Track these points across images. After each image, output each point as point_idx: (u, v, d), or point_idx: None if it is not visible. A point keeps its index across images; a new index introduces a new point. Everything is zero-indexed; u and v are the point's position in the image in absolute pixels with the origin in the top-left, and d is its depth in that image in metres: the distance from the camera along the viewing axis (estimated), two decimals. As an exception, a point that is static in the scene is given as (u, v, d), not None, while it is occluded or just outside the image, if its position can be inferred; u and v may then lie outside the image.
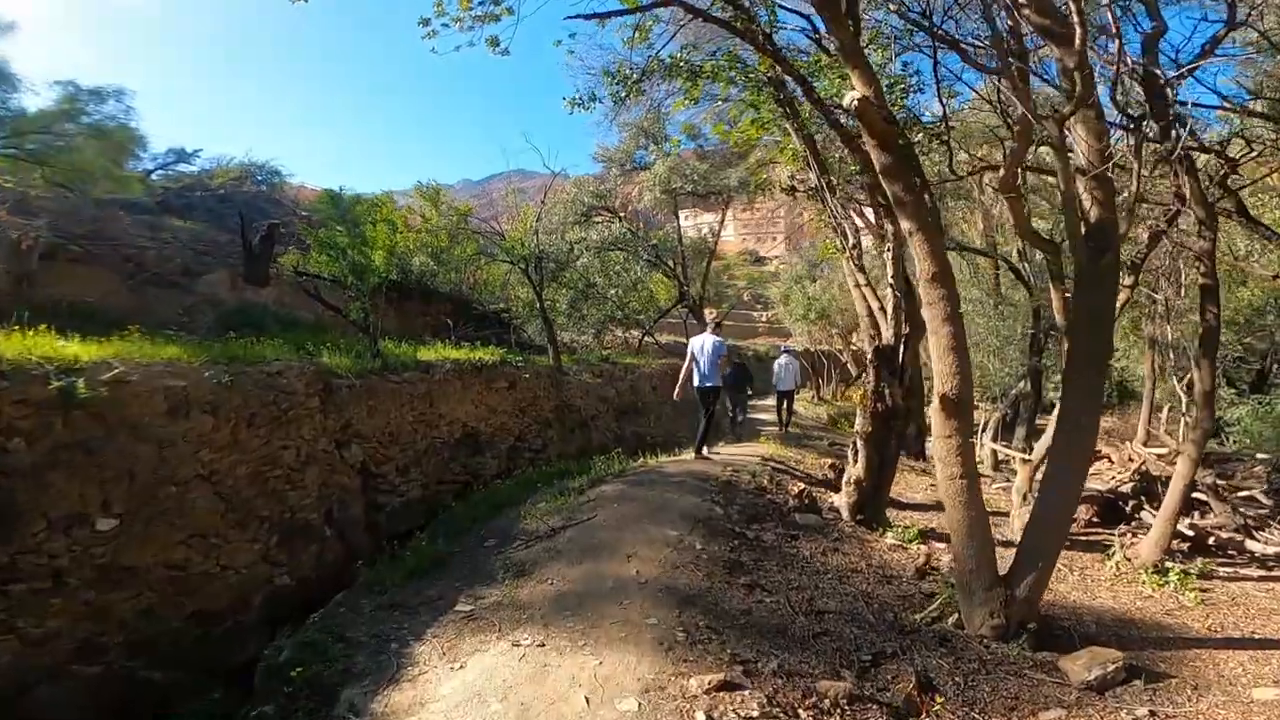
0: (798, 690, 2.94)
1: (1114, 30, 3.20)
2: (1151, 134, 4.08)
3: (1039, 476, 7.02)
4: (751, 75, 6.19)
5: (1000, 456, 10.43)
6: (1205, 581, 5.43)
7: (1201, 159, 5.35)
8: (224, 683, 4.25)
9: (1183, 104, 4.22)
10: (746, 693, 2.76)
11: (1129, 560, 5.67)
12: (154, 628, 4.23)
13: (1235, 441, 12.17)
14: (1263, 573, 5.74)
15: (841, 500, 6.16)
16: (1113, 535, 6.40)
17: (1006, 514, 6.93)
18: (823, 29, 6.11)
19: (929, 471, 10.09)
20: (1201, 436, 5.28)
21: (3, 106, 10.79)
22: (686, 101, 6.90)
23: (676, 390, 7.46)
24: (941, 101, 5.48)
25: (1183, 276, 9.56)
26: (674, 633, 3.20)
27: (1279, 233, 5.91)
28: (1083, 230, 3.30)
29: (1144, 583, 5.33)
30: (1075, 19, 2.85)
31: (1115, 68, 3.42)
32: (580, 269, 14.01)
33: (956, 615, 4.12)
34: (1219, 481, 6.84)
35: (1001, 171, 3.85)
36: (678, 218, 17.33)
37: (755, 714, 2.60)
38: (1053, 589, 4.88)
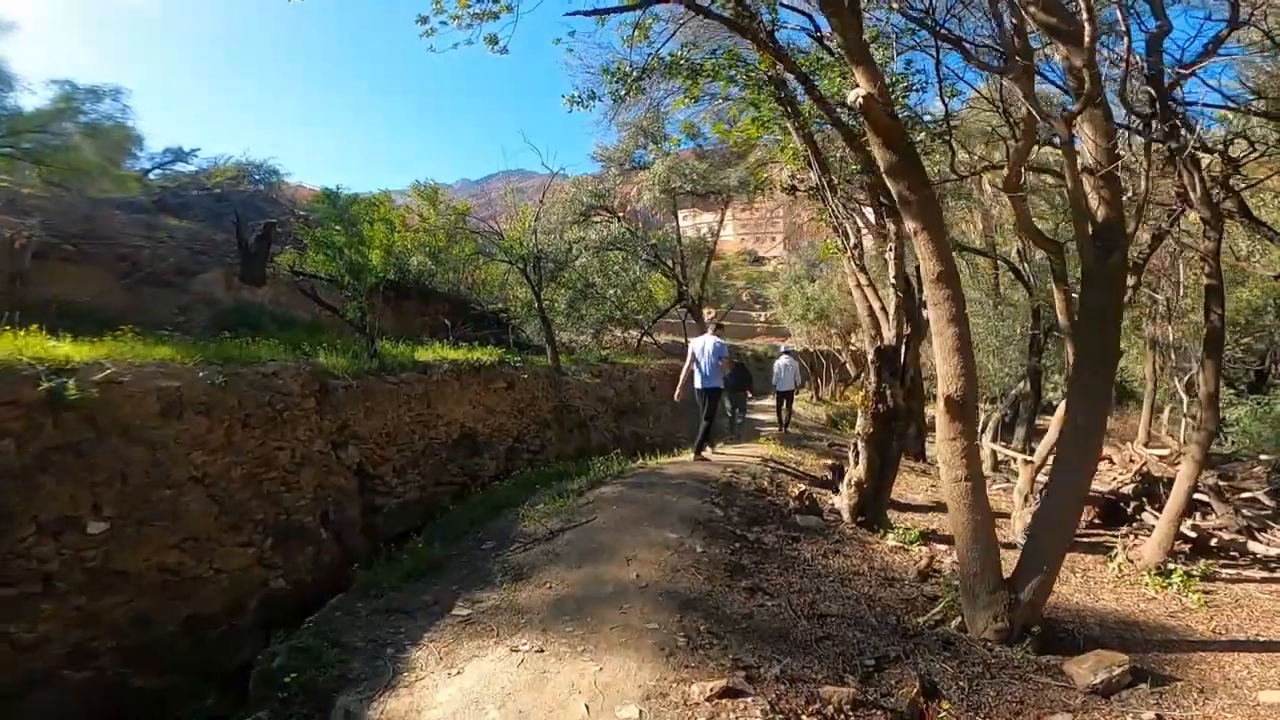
0: (801, 696, 2.89)
1: (1123, 28, 3.15)
2: (1159, 133, 4.03)
3: (1041, 478, 7.00)
4: (752, 74, 6.14)
5: (1000, 457, 10.40)
6: (1208, 583, 5.41)
7: (1204, 159, 5.31)
8: (219, 687, 4.20)
9: (1193, 104, 4.20)
10: (749, 699, 2.71)
11: (1131, 562, 5.64)
12: (147, 632, 4.17)
13: (1234, 442, 12.15)
14: (1265, 574, 5.71)
15: (842, 502, 6.11)
16: (1114, 537, 6.37)
17: (1007, 515, 6.89)
18: (824, 27, 6.09)
19: (929, 472, 10.06)
20: (1206, 438, 5.25)
21: (-1, 105, 10.71)
22: (686, 100, 6.85)
23: (677, 392, 7.46)
24: (943, 100, 5.44)
25: (1183, 276, 9.53)
26: (675, 638, 3.16)
27: (1281, 233, 5.88)
28: (1089, 230, 3.25)
29: (1147, 584, 5.29)
30: (1085, 16, 2.81)
31: (1124, 66, 3.37)
32: (579, 269, 13.96)
33: (960, 618, 4.08)
34: (1221, 483, 6.81)
35: (1006, 171, 3.80)
36: (676, 217, 17.28)
37: (758, 721, 2.56)
38: (1055, 591, 4.83)
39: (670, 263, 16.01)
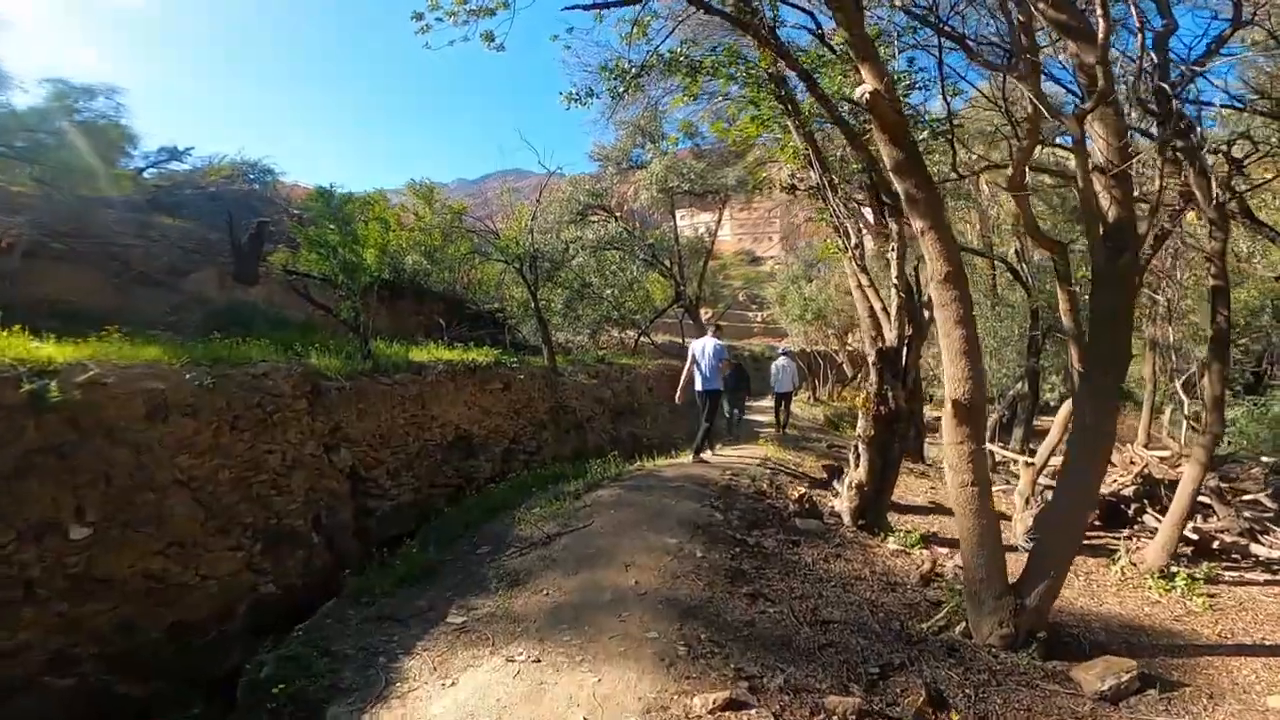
0: (805, 707, 2.81)
1: (1137, 25, 3.09)
2: (1171, 133, 3.97)
3: (1042, 480, 6.95)
4: (752, 71, 6.06)
5: (999, 458, 10.35)
6: (1211, 586, 5.37)
7: (1208, 159, 5.26)
8: (206, 694, 4.11)
9: (1207, 104, 4.14)
10: (753, 711, 2.63)
11: (1134, 565, 5.59)
12: (131, 639, 4.07)
13: (1231, 444, 12.15)
14: (1268, 577, 5.68)
15: (843, 504, 6.04)
16: (1116, 539, 6.33)
17: (1008, 518, 6.84)
18: (825, 25, 6.02)
19: (928, 474, 10.01)
20: (1211, 441, 5.20)
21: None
22: (685, 98, 6.78)
23: (678, 394, 7.46)
24: (945, 99, 5.38)
25: (1182, 277, 9.51)
26: (675, 647, 3.07)
27: (1283, 233, 5.85)
28: (1100, 230, 3.19)
29: (1150, 588, 5.25)
30: (1100, 13, 2.74)
31: (1138, 64, 3.31)
32: (576, 268, 13.86)
33: (964, 624, 4.02)
34: (1222, 485, 6.77)
35: (1010, 170, 3.73)
36: (674, 217, 17.20)
37: (763, 735, 2.47)
38: (1059, 595, 4.79)
39: (668, 262, 15.93)
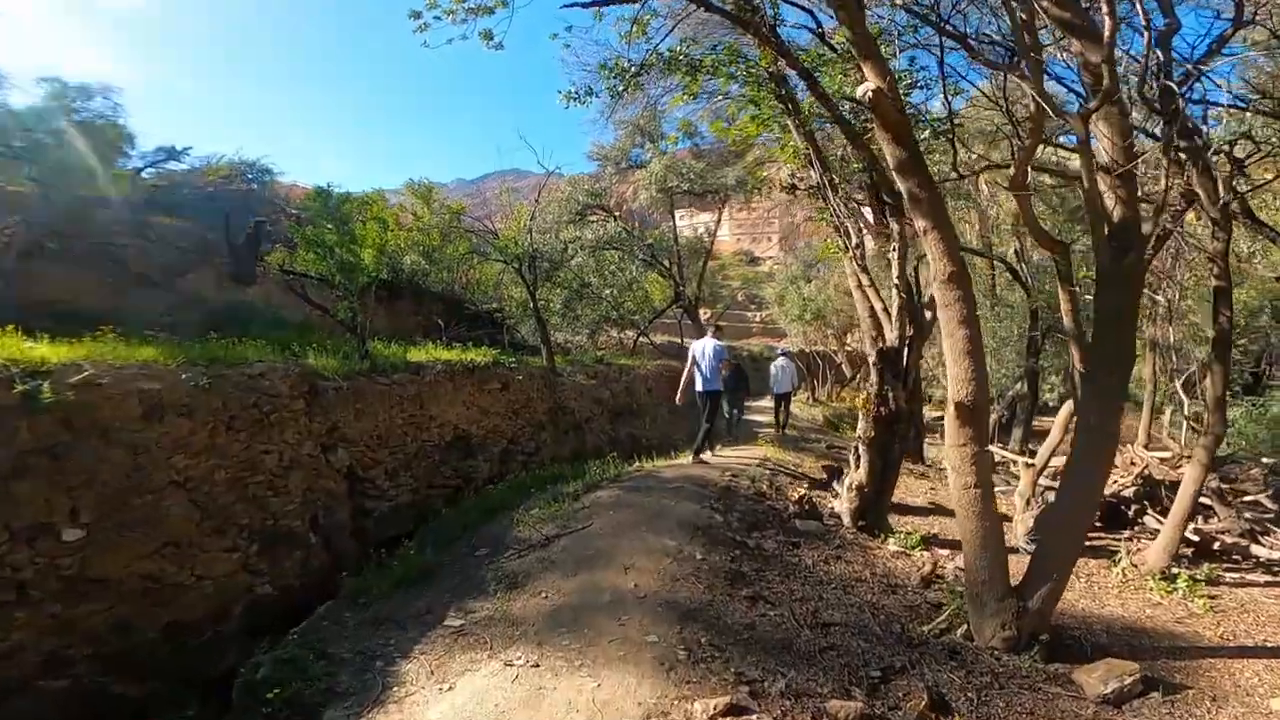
0: (807, 712, 2.78)
1: (1143, 24, 3.06)
2: (1179, 132, 3.95)
3: (1042, 481, 6.93)
4: (753, 70, 6.03)
5: (998, 459, 10.33)
6: (1213, 588, 5.34)
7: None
8: (202, 695, 4.09)
9: (1215, 104, 4.11)
10: (754, 717, 2.60)
11: (1135, 566, 5.56)
12: (126, 640, 4.04)
13: (1230, 444, 12.14)
14: (1269, 578, 5.66)
15: (843, 506, 6.01)
16: (1117, 540, 6.30)
17: (1008, 519, 6.82)
18: (825, 24, 6.00)
19: (927, 475, 9.99)
20: (1213, 442, 5.17)
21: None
22: (685, 97, 6.74)
23: (679, 395, 7.47)
24: (947, 98, 5.36)
25: (1182, 278, 9.50)
26: (675, 651, 3.04)
27: (1284, 234, 5.83)
28: (1105, 230, 3.16)
29: (1152, 589, 5.22)
30: (1106, 11, 2.72)
31: (1143, 63, 3.29)
32: (575, 268, 13.81)
33: (965, 626, 3.99)
34: (1222, 486, 6.75)
35: (1012, 170, 3.71)
36: (673, 217, 17.16)
37: (764, 741, 2.45)
38: (1061, 597, 4.76)
39: (667, 263, 15.89)
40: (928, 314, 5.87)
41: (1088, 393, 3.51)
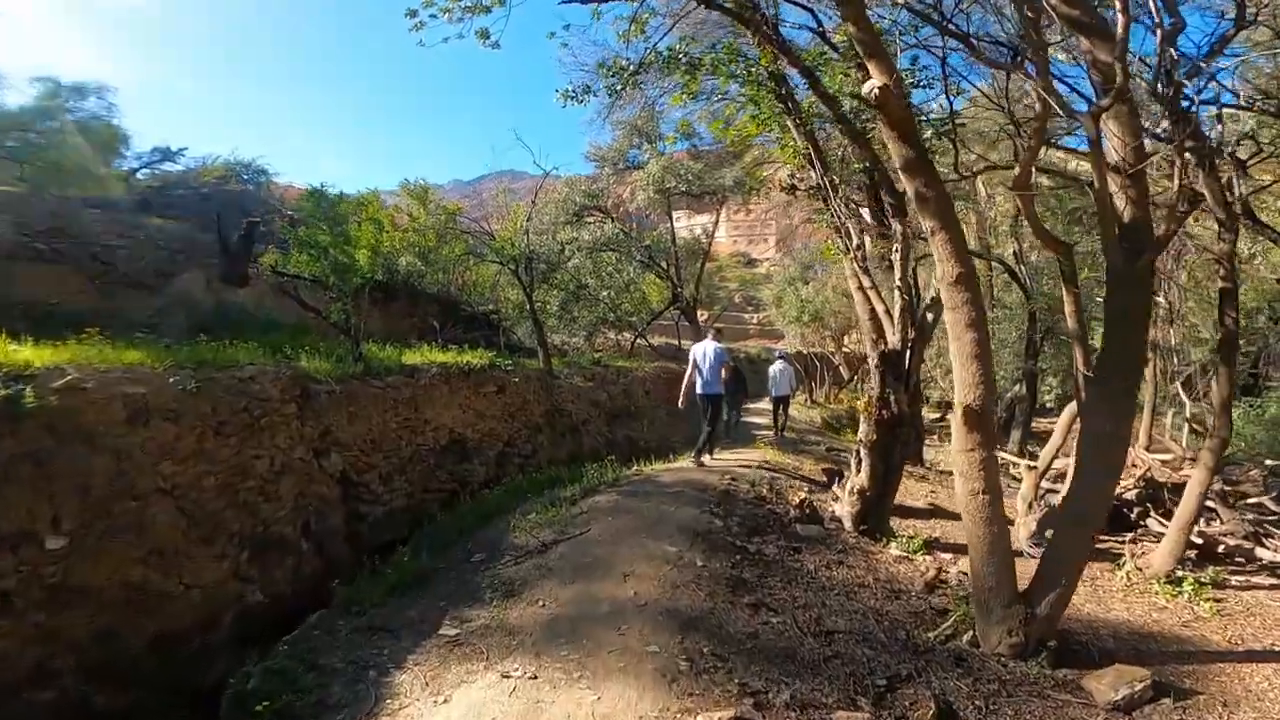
0: (813, 725, 2.70)
1: (1155, 21, 3.01)
2: (1189, 132, 3.89)
3: (1044, 483, 6.88)
4: (752, 70, 5.96)
5: (999, 461, 10.27)
6: (1218, 591, 5.30)
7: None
8: (190, 706, 3.99)
9: (1228, 105, 4.06)
10: (759, 731, 2.51)
11: (1140, 570, 5.51)
12: (111, 650, 3.93)
13: (1229, 446, 12.12)
14: (1274, 581, 5.62)
15: (844, 510, 5.93)
16: (1120, 544, 6.24)
17: (1010, 522, 6.75)
18: (826, 23, 5.94)
19: (927, 477, 9.93)
20: (1219, 445, 5.13)
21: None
22: (684, 97, 6.67)
23: (680, 399, 7.51)
24: (948, 98, 5.31)
25: (1183, 278, 9.48)
26: (677, 662, 2.95)
27: (1286, 234, 5.80)
28: (1116, 230, 3.10)
29: (1157, 593, 5.17)
30: (1118, 7, 2.66)
31: (1158, 60, 3.23)
32: (572, 270, 13.73)
33: (971, 632, 3.92)
34: (1225, 488, 6.71)
35: (1017, 170, 3.66)
36: (671, 218, 17.09)
37: (771, 757, 2.36)
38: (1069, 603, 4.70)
39: (664, 264, 15.83)
40: (930, 316, 5.81)
41: (1095, 395, 3.45)
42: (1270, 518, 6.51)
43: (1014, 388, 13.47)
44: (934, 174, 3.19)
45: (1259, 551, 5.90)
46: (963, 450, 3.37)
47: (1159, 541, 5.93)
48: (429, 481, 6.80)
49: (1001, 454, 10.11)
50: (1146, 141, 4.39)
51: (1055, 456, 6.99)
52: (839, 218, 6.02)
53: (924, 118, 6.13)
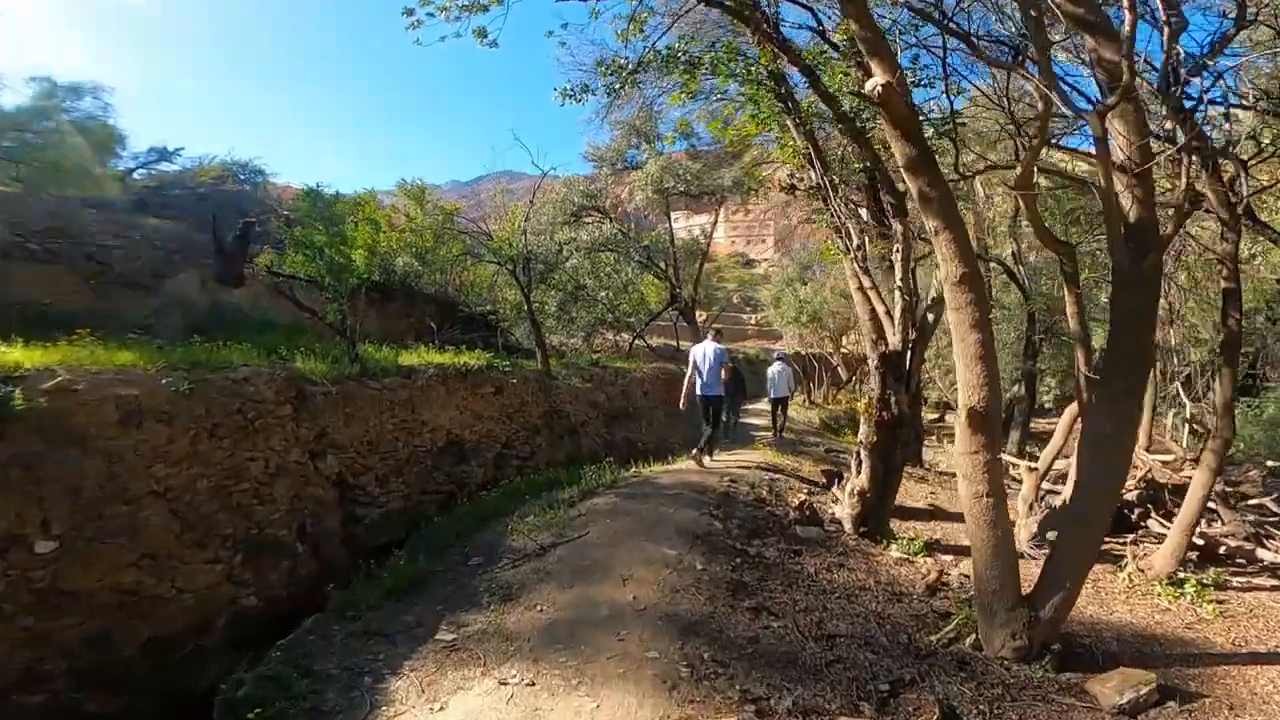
0: (816, 732, 2.66)
1: (1163, 19, 2.98)
2: (1195, 132, 3.86)
3: (1045, 484, 6.85)
4: (752, 69, 5.93)
5: (997, 462, 10.23)
6: (1220, 592, 5.27)
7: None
8: (183, 710, 3.94)
9: (1235, 105, 4.03)
10: (762, 739, 2.47)
11: (1142, 571, 5.47)
12: (103, 654, 3.88)
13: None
14: (1275, 582, 5.58)
15: (844, 511, 5.89)
16: (1121, 545, 6.21)
17: (1011, 523, 6.72)
18: (825, 22, 5.91)
19: (926, 478, 9.90)
20: (1222, 446, 5.09)
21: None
22: (682, 96, 6.63)
23: (682, 400, 7.54)
24: (949, 98, 5.28)
25: (1182, 279, 9.47)
26: (677, 667, 2.91)
27: (1287, 234, 5.78)
28: (1122, 230, 3.06)
29: (1159, 595, 5.14)
30: (1125, 4, 2.62)
31: (1165, 59, 3.19)
32: (570, 270, 13.66)
33: (974, 636, 3.88)
34: (1226, 489, 6.69)
35: (1019, 170, 3.62)
36: (669, 218, 17.04)
37: (774, 766, 2.31)
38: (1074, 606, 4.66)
39: (663, 264, 15.78)
40: (931, 317, 5.78)
41: (1100, 397, 3.41)
42: (1271, 519, 6.47)
43: (1013, 388, 13.46)
44: (937, 173, 3.15)
45: (1260, 553, 5.86)
46: (966, 453, 3.33)
47: (1160, 543, 5.90)
48: (426, 483, 6.74)
49: (1002, 455, 10.08)
50: (1150, 141, 4.37)
51: (1056, 458, 6.96)
52: (839, 218, 5.99)
53: (924, 117, 6.10)
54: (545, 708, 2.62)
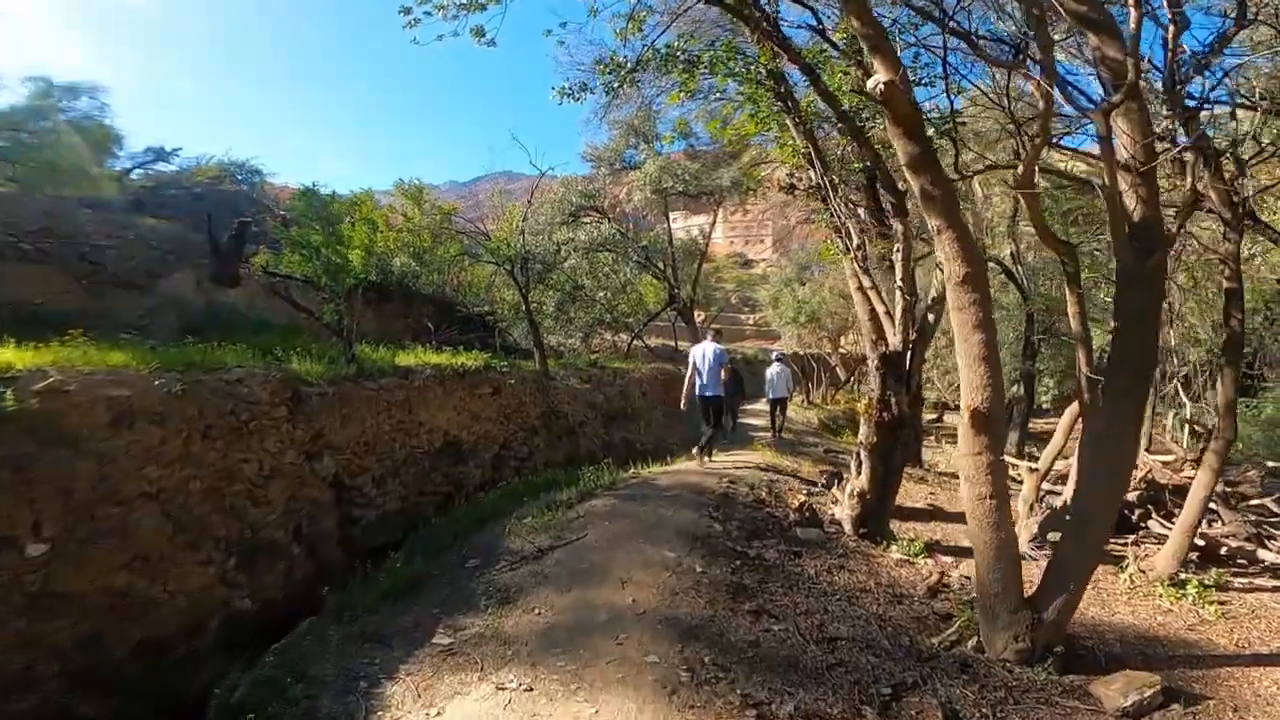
0: (818, 737, 2.62)
1: (1170, 17, 2.95)
2: (1201, 130, 3.84)
3: (1045, 485, 6.82)
4: (751, 68, 5.90)
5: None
6: (1222, 594, 5.25)
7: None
8: (176, 714, 3.89)
9: (1238, 104, 4.01)
10: (763, 744, 2.43)
11: (1143, 572, 5.45)
12: (95, 657, 3.83)
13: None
14: (1276, 583, 5.56)
15: (844, 513, 5.86)
16: (1122, 546, 6.19)
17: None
18: (825, 21, 5.88)
19: (926, 479, 9.88)
20: (1224, 447, 5.07)
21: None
22: (681, 95, 6.60)
23: (683, 401, 7.59)
24: (949, 97, 5.25)
25: (1181, 279, 9.47)
26: (677, 672, 2.87)
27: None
28: (1126, 229, 3.03)
29: (1161, 596, 5.11)
30: (1131, 1, 2.59)
31: (1170, 55, 3.17)
32: (568, 270, 13.62)
33: (976, 638, 3.85)
34: (1227, 489, 6.67)
35: (1020, 169, 3.60)
36: (668, 219, 17.00)
37: (776, 772, 2.28)
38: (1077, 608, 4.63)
39: (661, 265, 15.73)
40: (930, 317, 5.75)
41: (1105, 396, 3.38)
42: (1272, 519, 6.47)
43: (1011, 389, 13.44)
44: (940, 171, 3.12)
45: (1261, 553, 5.85)
46: (969, 454, 3.30)
47: (1161, 543, 5.88)
48: (423, 484, 6.69)
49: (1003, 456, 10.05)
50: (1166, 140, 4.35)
51: (1056, 458, 6.93)
52: (839, 217, 5.96)
53: (927, 116, 6.08)
54: (543, 713, 2.58)
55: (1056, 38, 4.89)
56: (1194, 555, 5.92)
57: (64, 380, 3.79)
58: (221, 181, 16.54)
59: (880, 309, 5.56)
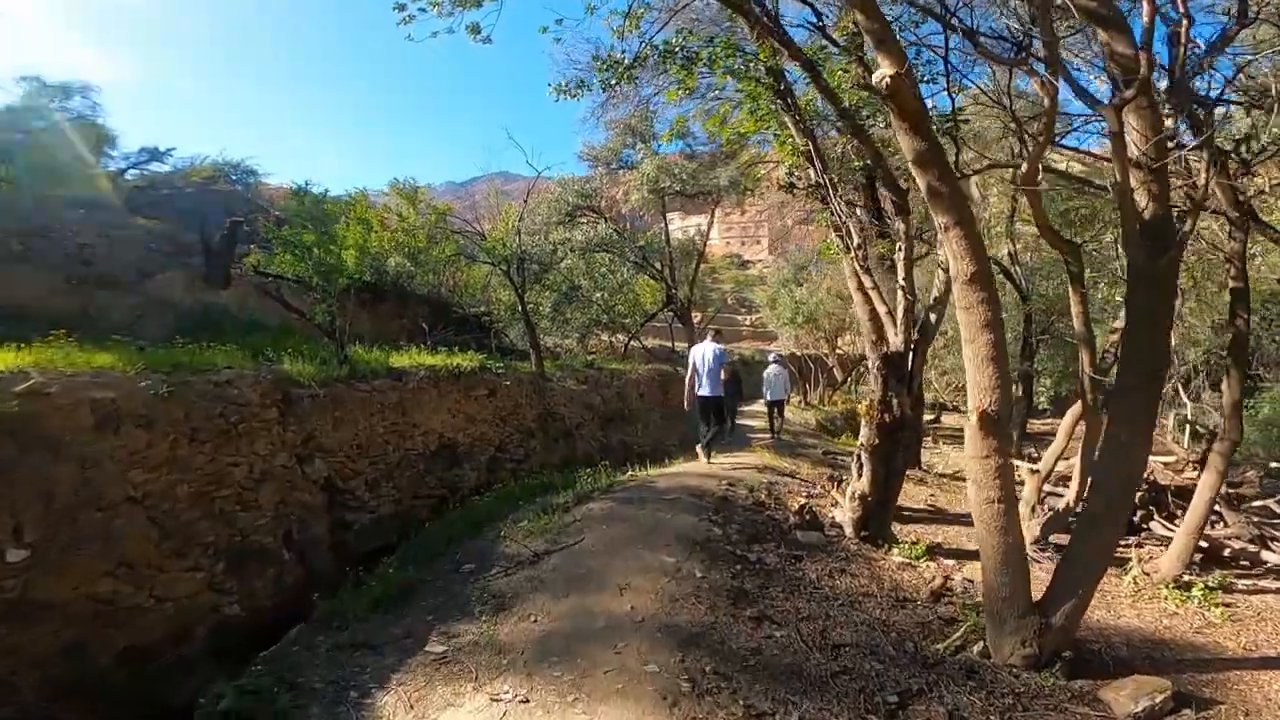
0: (824, 749, 2.54)
1: (1181, 10, 2.89)
2: (1213, 128, 3.78)
3: (1046, 486, 6.77)
4: (751, 64, 5.83)
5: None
6: (1227, 596, 5.19)
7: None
8: (160, 723, 3.78)
9: (1248, 102, 3.96)
10: (768, 758, 2.34)
11: (1148, 575, 5.39)
12: (78, 665, 3.72)
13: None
14: (1280, 585, 5.52)
15: (845, 516, 5.78)
16: (1125, 548, 6.13)
17: (1012, 526, 6.63)
18: (825, 18, 5.82)
19: (926, 480, 9.82)
20: (1229, 448, 5.02)
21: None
22: (679, 93, 6.52)
23: (685, 401, 7.65)
24: (950, 95, 5.19)
25: (1182, 279, 9.44)
26: (678, 682, 2.78)
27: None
28: (1137, 228, 2.97)
29: (1166, 598, 5.05)
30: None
31: (1181, 50, 3.11)
32: (564, 271, 13.53)
33: (982, 643, 3.77)
34: (1229, 490, 6.63)
35: (1024, 167, 3.53)
36: (665, 219, 16.94)
37: (781, 788, 2.19)
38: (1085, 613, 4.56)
39: (658, 265, 15.67)
40: (931, 317, 5.68)
41: (1117, 400, 3.31)
42: (1275, 521, 6.42)
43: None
44: (947, 167, 3.05)
45: (1265, 555, 5.80)
46: (977, 457, 3.22)
47: (1163, 545, 5.83)
48: (418, 488, 6.59)
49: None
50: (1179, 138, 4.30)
51: (1058, 460, 6.88)
52: (839, 216, 5.89)
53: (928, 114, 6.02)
54: (540, 726, 2.49)
55: (1061, 35, 4.85)
56: (1197, 557, 5.87)
57: (46, 382, 3.69)
58: (215, 181, 16.39)
59: (881, 309, 5.49)
